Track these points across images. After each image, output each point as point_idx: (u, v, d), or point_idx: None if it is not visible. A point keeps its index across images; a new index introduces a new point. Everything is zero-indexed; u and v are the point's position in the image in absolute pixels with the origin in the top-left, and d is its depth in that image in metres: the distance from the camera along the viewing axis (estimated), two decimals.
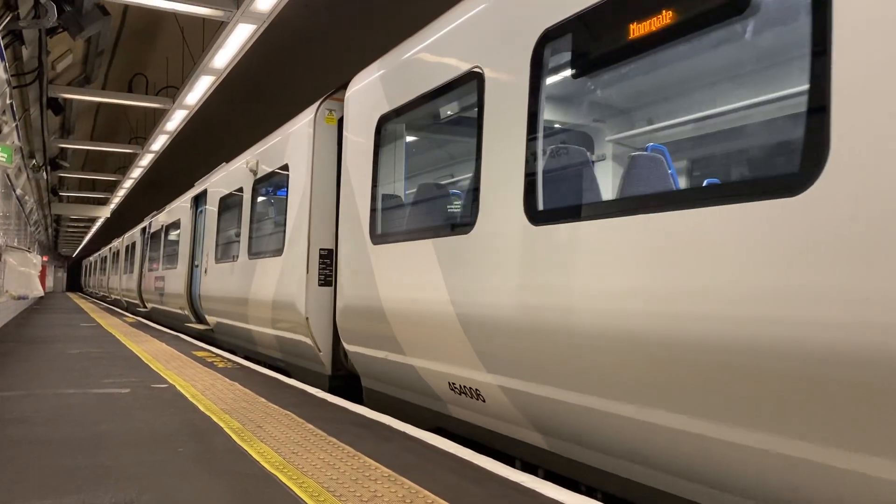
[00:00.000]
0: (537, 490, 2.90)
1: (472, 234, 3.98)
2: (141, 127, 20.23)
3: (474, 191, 4.01)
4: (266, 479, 3.04)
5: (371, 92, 5.46)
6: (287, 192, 7.03)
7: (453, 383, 4.27)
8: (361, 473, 3.15)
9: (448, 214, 4.91)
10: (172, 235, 14.16)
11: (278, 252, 7.15)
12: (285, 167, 7.18)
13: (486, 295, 3.82)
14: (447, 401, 4.48)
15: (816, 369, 2.21)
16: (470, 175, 4.16)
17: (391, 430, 4.11)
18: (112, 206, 30.10)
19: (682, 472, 2.82)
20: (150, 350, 8.69)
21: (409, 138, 6.06)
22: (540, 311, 3.39)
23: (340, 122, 6.44)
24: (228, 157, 10.89)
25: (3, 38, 7.88)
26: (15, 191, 15.12)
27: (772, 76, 4.66)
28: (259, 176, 8.31)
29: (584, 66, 3.51)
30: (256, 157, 8.47)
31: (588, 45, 3.32)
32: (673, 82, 5.33)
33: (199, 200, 12.14)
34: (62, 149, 19.62)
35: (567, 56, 3.51)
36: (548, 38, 3.49)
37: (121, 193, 26.66)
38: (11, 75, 9.44)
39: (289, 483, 2.98)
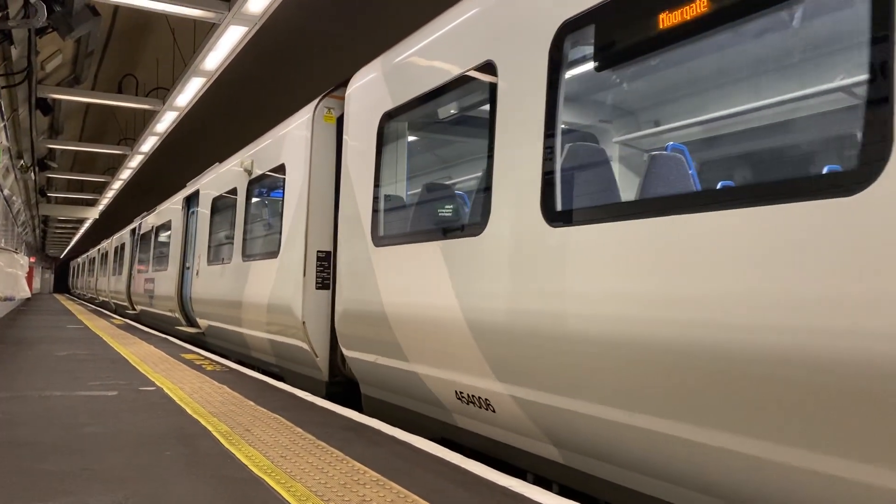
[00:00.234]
0: (524, 494, 2.90)
1: (484, 236, 3.79)
2: (130, 128, 20.14)
3: (485, 190, 3.81)
4: (254, 483, 3.03)
5: (374, 88, 5.28)
6: (283, 192, 6.90)
7: (460, 392, 4.08)
8: (350, 478, 3.14)
9: (456, 215, 4.74)
10: (163, 237, 14.06)
11: (274, 254, 7.02)
12: (282, 167, 7.04)
13: (499, 300, 3.61)
14: (453, 410, 4.29)
15: (881, 384, 2.01)
16: (480, 174, 3.99)
17: (380, 433, 4.10)
18: (101, 207, 29.93)
19: (712, 490, 2.63)
20: (138, 352, 8.64)
21: (415, 136, 5.86)
22: (560, 318, 3.19)
23: (339, 120, 6.31)
24: (220, 159, 10.83)
25: None
26: (2, 191, 15.02)
27: (824, 66, 4.35)
28: (254, 176, 8.18)
29: (608, 59, 3.27)
30: (251, 156, 8.32)
31: (612, 36, 3.10)
32: (709, 75, 5.03)
33: (191, 201, 12.01)
34: (51, 149, 19.50)
35: (588, 49, 3.30)
36: (567, 30, 3.30)
37: (109, 195, 26.51)
38: (0, 75, 9.38)
39: (277, 487, 2.97)
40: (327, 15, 12.79)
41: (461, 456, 3.56)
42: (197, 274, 10.51)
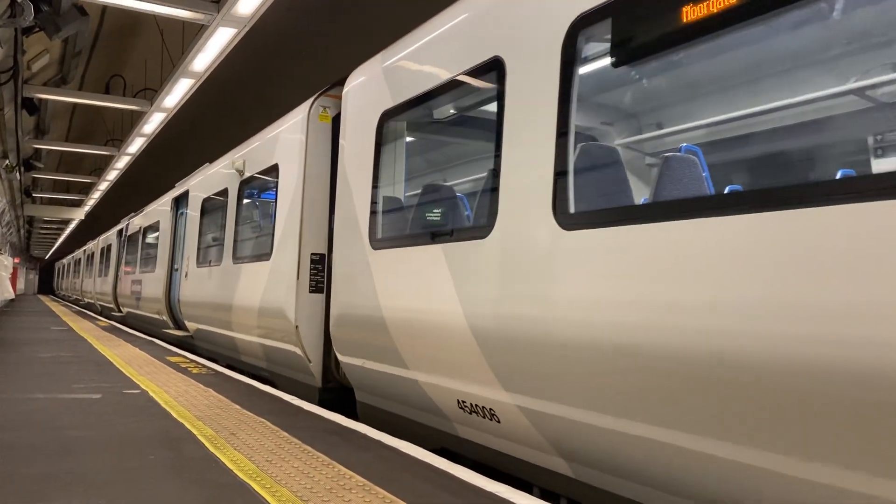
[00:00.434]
0: (513, 500, 2.89)
1: (490, 239, 3.63)
2: (118, 129, 20.01)
3: (492, 192, 3.64)
4: (239, 487, 3.01)
5: (373, 87, 5.15)
6: (276, 193, 6.75)
7: (463, 401, 3.91)
8: (336, 483, 3.12)
9: (460, 217, 4.60)
10: (151, 238, 13.93)
11: (266, 256, 6.88)
12: (275, 167, 6.88)
13: (506, 306, 3.45)
14: (454, 420, 4.13)
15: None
16: (486, 175, 3.85)
17: (367, 438, 4.08)
18: (87, 207, 29.72)
19: None
20: (123, 355, 8.56)
21: (416, 136, 5.69)
22: (575, 326, 3.04)
23: (335, 119, 6.19)
24: (208, 160, 10.75)
25: None
26: None
27: (870, 58, 4.10)
28: (246, 176, 8.03)
29: (625, 54, 3.09)
30: (243, 156, 8.16)
31: (630, 31, 2.95)
32: (738, 71, 4.78)
33: (179, 202, 11.86)
34: (37, 149, 19.34)
35: (605, 45, 3.15)
36: (582, 24, 3.16)
37: (96, 195, 26.32)
38: None
39: (262, 492, 2.95)
40: (317, 17, 12.78)
41: (448, 461, 3.54)
42: (186, 276, 10.41)
